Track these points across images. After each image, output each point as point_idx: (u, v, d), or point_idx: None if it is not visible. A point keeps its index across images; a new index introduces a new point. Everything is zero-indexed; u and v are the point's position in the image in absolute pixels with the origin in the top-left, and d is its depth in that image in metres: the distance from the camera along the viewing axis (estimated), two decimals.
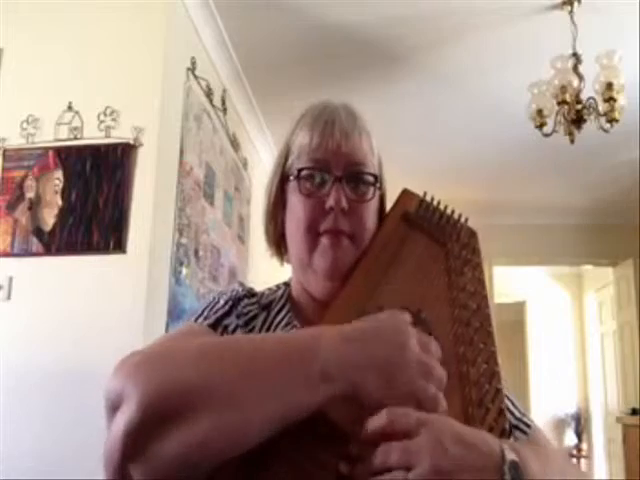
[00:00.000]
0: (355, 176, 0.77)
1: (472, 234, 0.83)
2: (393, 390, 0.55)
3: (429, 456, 0.50)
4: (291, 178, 0.79)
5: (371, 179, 0.78)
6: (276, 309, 0.81)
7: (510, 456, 0.53)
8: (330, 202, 0.75)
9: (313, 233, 0.76)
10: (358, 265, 0.75)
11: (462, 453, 0.51)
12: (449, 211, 0.83)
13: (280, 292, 0.84)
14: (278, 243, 0.85)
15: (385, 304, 0.70)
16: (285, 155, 0.81)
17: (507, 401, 0.74)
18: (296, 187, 0.78)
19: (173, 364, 0.54)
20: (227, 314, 0.76)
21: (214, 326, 0.73)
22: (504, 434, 0.63)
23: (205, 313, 0.76)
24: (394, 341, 0.58)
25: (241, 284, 0.84)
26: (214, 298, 0.79)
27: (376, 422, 0.52)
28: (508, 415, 0.70)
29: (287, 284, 0.86)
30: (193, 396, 0.51)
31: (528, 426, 0.75)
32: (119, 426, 0.50)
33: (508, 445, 0.55)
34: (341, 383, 0.54)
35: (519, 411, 0.76)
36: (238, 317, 0.76)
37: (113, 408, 0.51)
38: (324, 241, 0.76)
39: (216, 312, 0.76)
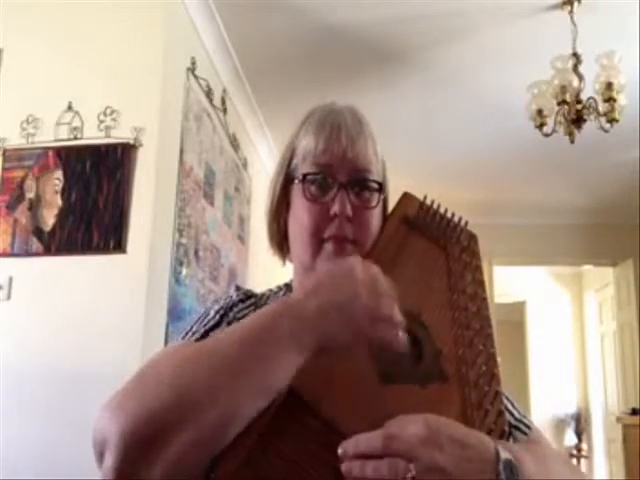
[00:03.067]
0: (360, 183, 0.77)
1: (472, 237, 0.83)
2: (353, 323, 0.58)
3: (426, 453, 0.50)
4: (296, 181, 0.79)
5: (376, 186, 0.78)
6: None
7: (505, 455, 0.54)
8: (335, 208, 0.74)
9: (317, 239, 0.76)
10: None
11: (458, 451, 0.52)
12: (449, 214, 0.83)
13: (281, 293, 0.84)
14: (280, 243, 0.85)
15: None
16: (290, 156, 0.81)
17: (506, 402, 0.74)
18: (300, 191, 0.78)
19: (146, 391, 0.54)
20: (217, 325, 0.75)
21: (203, 339, 0.72)
22: (503, 436, 0.63)
23: (194, 328, 0.76)
24: (343, 280, 0.60)
25: (237, 288, 0.84)
26: (205, 311, 0.79)
27: (371, 441, 0.53)
28: (507, 416, 0.70)
29: (288, 285, 0.86)
30: (171, 413, 0.52)
31: (528, 427, 0.75)
32: (108, 464, 0.51)
33: (503, 445, 0.56)
34: (309, 337, 0.56)
35: (518, 412, 0.76)
36: (230, 324, 0.75)
37: (101, 453, 0.53)
38: (328, 247, 0.75)
39: (205, 325, 0.75)
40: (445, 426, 0.54)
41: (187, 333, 0.75)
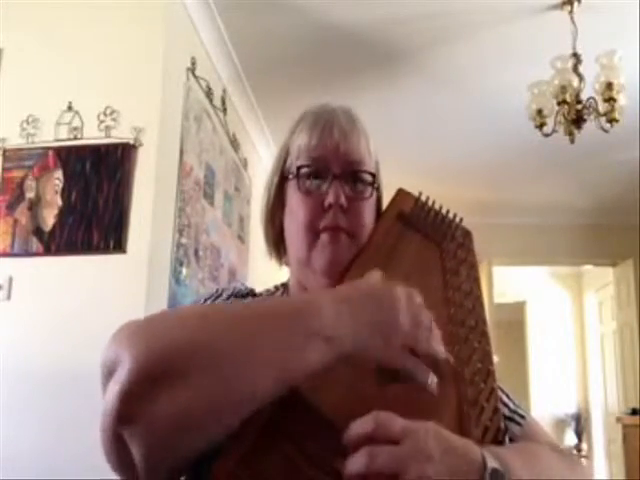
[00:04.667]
0: (353, 174, 0.78)
1: (467, 234, 0.83)
2: (389, 346, 0.57)
3: (414, 464, 0.50)
4: (290, 176, 0.80)
5: (369, 178, 0.79)
6: None
7: (491, 464, 0.54)
8: (329, 199, 0.75)
9: (312, 231, 0.77)
10: (353, 264, 0.76)
11: (446, 461, 0.52)
12: (444, 211, 0.83)
13: (278, 294, 0.85)
14: (277, 244, 0.85)
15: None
16: (284, 156, 0.82)
17: (501, 394, 0.75)
18: (295, 185, 0.79)
19: (168, 327, 0.53)
20: None
21: None
22: (499, 432, 0.64)
23: (208, 302, 0.77)
24: (385, 301, 0.58)
25: (242, 284, 0.85)
26: (217, 290, 0.80)
27: (361, 427, 0.52)
28: (502, 407, 0.71)
29: (285, 285, 0.86)
30: (189, 356, 0.50)
31: (522, 417, 0.75)
32: (113, 391, 0.49)
33: (491, 453, 0.56)
34: (339, 342, 0.54)
35: (513, 403, 0.77)
36: None
37: (109, 375, 0.51)
38: (323, 238, 0.76)
39: (215, 301, 0.77)
40: (433, 436, 0.53)
41: (199, 301, 0.77)
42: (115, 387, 0.48)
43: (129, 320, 0.56)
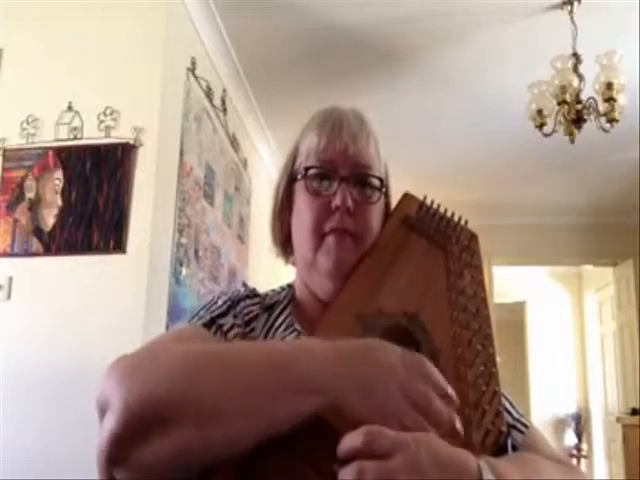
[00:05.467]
0: (361, 178, 0.78)
1: (472, 237, 0.83)
2: (375, 410, 0.54)
3: (405, 478, 0.49)
4: (299, 177, 0.80)
5: (377, 183, 0.80)
6: (277, 311, 0.81)
7: (487, 477, 0.53)
8: (336, 201, 0.76)
9: (319, 233, 0.77)
10: (358, 267, 0.76)
11: (439, 474, 0.51)
12: (449, 214, 0.83)
13: (283, 294, 0.84)
14: (284, 244, 0.86)
15: (384, 306, 0.70)
16: (293, 157, 0.83)
17: (505, 402, 0.74)
18: (303, 186, 0.79)
19: (157, 372, 0.54)
20: (223, 314, 0.75)
21: (208, 325, 0.73)
22: (501, 436, 0.63)
23: (201, 313, 0.76)
24: (382, 364, 0.57)
25: (245, 285, 0.84)
26: (213, 298, 0.79)
27: (351, 441, 0.51)
28: (505, 415, 0.70)
29: (290, 286, 0.86)
30: (175, 406, 0.51)
31: (525, 426, 0.75)
32: (105, 431, 0.51)
33: (488, 464, 0.55)
34: (325, 396, 0.54)
35: (517, 412, 0.77)
36: (236, 317, 0.76)
37: (102, 413, 0.53)
38: (329, 240, 0.76)
39: (212, 312, 0.75)
40: (425, 448, 0.52)
41: (193, 317, 0.75)
42: (107, 429, 0.51)
43: (122, 355, 0.58)
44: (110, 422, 0.50)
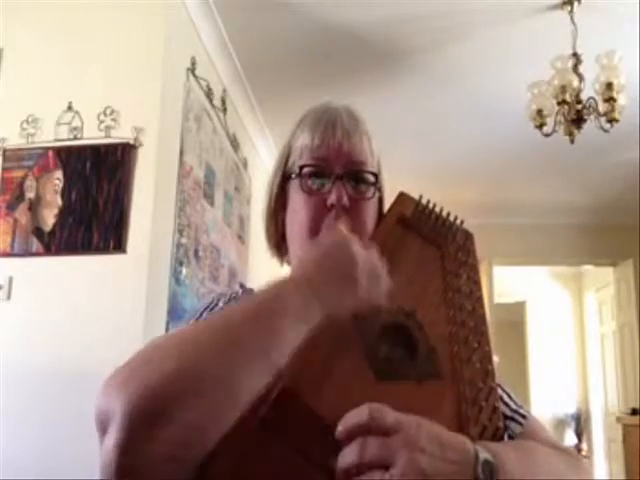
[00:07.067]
0: (356, 175, 0.79)
1: (468, 236, 0.84)
2: (358, 299, 0.62)
3: (406, 455, 0.50)
4: (293, 176, 0.80)
5: (372, 178, 0.80)
6: None
7: (483, 455, 0.55)
8: (332, 199, 0.76)
9: (314, 231, 0.77)
10: None
11: (438, 453, 0.52)
12: (445, 214, 0.83)
13: None
14: (278, 244, 0.85)
15: (381, 304, 0.70)
16: (286, 156, 0.82)
17: (503, 393, 0.75)
18: (298, 185, 0.79)
19: (150, 367, 0.53)
20: None
21: None
22: (498, 431, 0.64)
23: (202, 315, 0.76)
24: (345, 256, 0.63)
25: (242, 285, 0.84)
26: (212, 299, 0.79)
27: (356, 417, 0.52)
28: (503, 407, 0.71)
29: None
30: (174, 385, 0.50)
31: (524, 417, 0.75)
32: (109, 444, 0.50)
33: (484, 446, 0.56)
34: (316, 307, 0.58)
35: (515, 403, 0.77)
36: None
37: (103, 430, 0.51)
38: None
39: (212, 311, 0.76)
40: (425, 429, 0.54)
41: (191, 318, 0.76)
42: (110, 443, 0.49)
43: (117, 367, 0.57)
44: (115, 430, 0.49)
